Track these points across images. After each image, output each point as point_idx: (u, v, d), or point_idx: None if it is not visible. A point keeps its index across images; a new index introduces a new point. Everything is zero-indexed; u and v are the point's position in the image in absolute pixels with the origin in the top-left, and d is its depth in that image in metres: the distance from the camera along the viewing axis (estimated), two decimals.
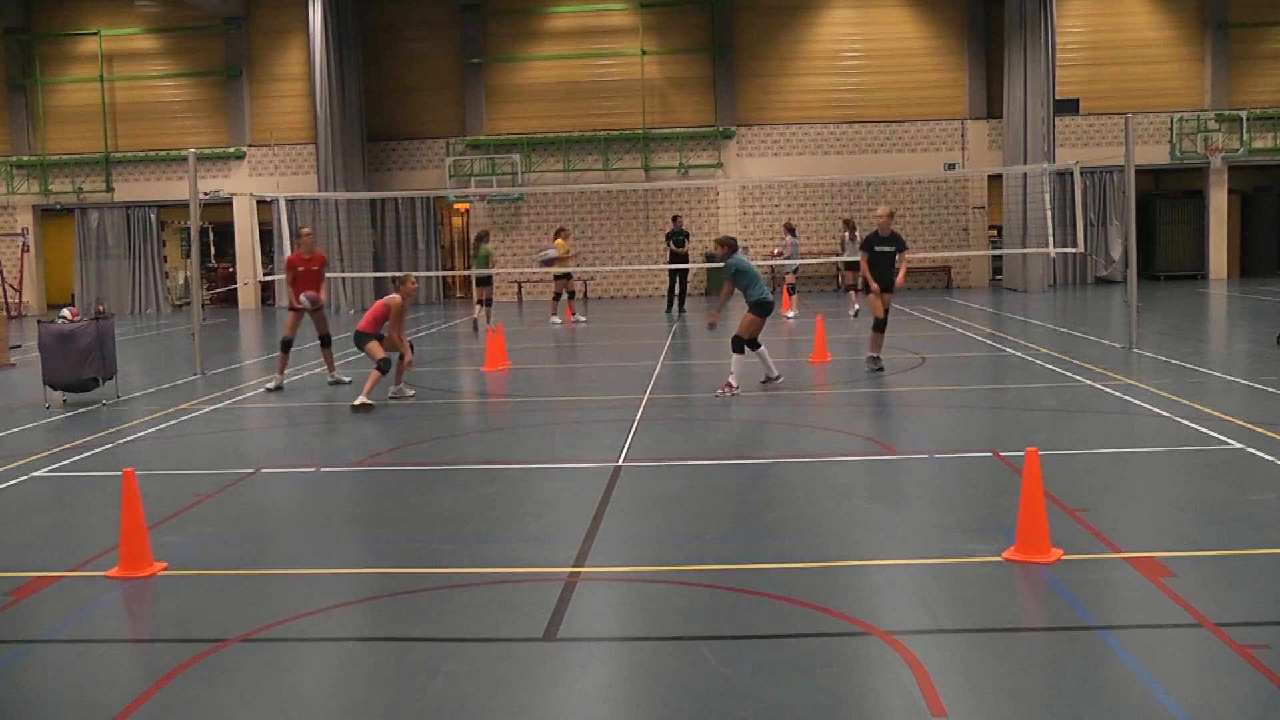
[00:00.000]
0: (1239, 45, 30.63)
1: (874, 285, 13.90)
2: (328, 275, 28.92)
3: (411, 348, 13.43)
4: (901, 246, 13.99)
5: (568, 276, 24.13)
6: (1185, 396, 11.41)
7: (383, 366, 12.68)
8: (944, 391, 12.31)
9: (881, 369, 13.97)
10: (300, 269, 14.15)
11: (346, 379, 14.27)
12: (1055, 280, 30.82)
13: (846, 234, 24.61)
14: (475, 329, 21.89)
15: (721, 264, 13.05)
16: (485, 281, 22.30)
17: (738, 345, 12.77)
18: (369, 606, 5.99)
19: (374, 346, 12.82)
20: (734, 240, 13.10)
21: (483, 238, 23.21)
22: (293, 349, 14.78)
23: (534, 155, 31.47)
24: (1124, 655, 4.91)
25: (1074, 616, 5.47)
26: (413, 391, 13.54)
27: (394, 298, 13.00)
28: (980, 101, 31.05)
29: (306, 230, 14.44)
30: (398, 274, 13.93)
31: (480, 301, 22.21)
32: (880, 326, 14.04)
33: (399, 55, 31.75)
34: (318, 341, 14.70)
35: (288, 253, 19.90)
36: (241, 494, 8.58)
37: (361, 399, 12.36)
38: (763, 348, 12.97)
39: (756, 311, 12.66)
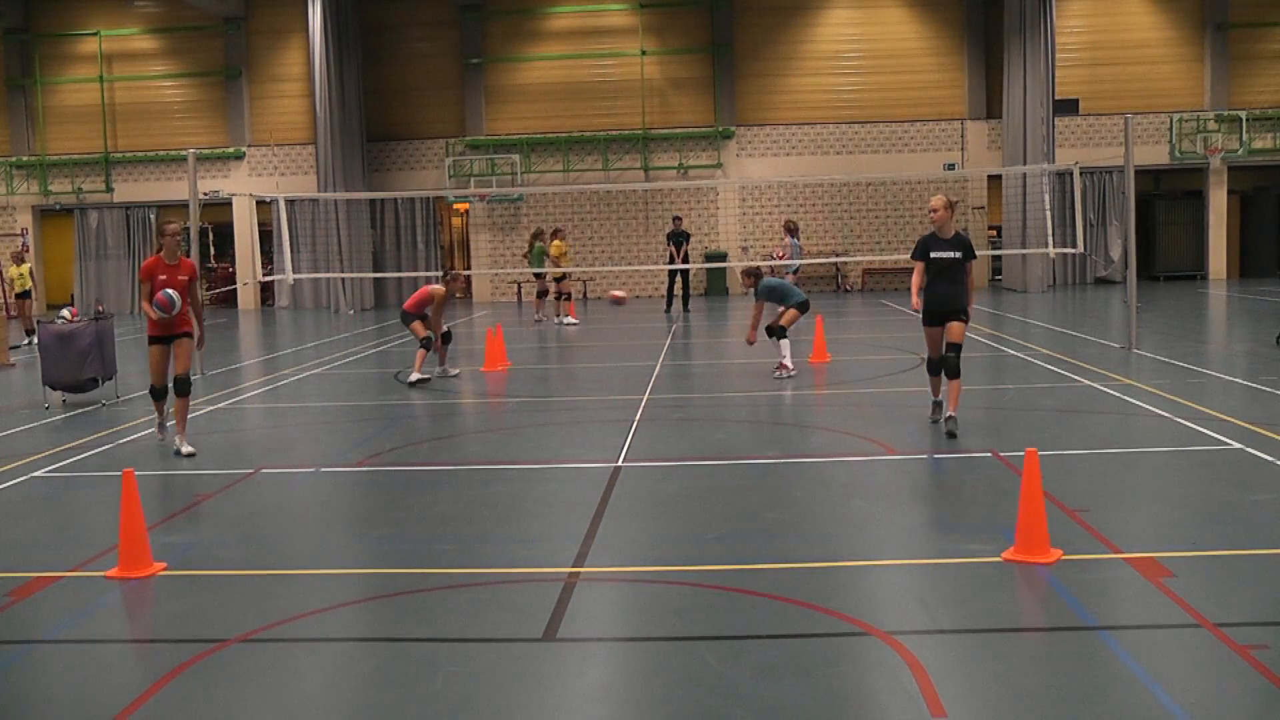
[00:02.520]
0: (1238, 46, 30.65)
1: (915, 302, 10.35)
2: (331, 276, 29.04)
3: (448, 336, 14.92)
4: (970, 254, 10.12)
5: (565, 277, 24.10)
6: (1185, 397, 11.41)
7: (425, 344, 14.33)
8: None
9: (952, 434, 9.71)
10: (161, 278, 9.82)
11: (189, 450, 9.86)
12: (1055, 280, 30.83)
13: (789, 236, 23.58)
14: (542, 320, 23.67)
15: (750, 288, 14.09)
16: (539, 278, 24.29)
17: (781, 333, 13.78)
18: (369, 607, 5.99)
19: (417, 326, 14.44)
20: (758, 269, 14.41)
21: (538, 235, 24.28)
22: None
23: (533, 155, 31.48)
24: (1123, 655, 4.91)
25: (1074, 617, 5.47)
26: (456, 371, 14.94)
27: (439, 288, 14.62)
28: (980, 102, 31.06)
29: (173, 226, 10.08)
30: (451, 270, 15.16)
31: (540, 295, 24.41)
32: (935, 368, 10.31)
33: (399, 55, 31.75)
34: (170, 386, 10.15)
35: (287, 257, 20.02)
36: (241, 494, 8.57)
37: (415, 375, 14.08)
38: (787, 340, 13.93)
39: (799, 309, 13.81)
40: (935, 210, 10.13)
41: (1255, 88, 30.76)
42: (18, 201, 32.74)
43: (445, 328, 14.97)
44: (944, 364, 10.00)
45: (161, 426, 10.47)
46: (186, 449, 9.85)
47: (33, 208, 32.85)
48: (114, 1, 32.21)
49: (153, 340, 9.99)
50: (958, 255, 10.01)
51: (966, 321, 10.02)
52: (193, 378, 10.83)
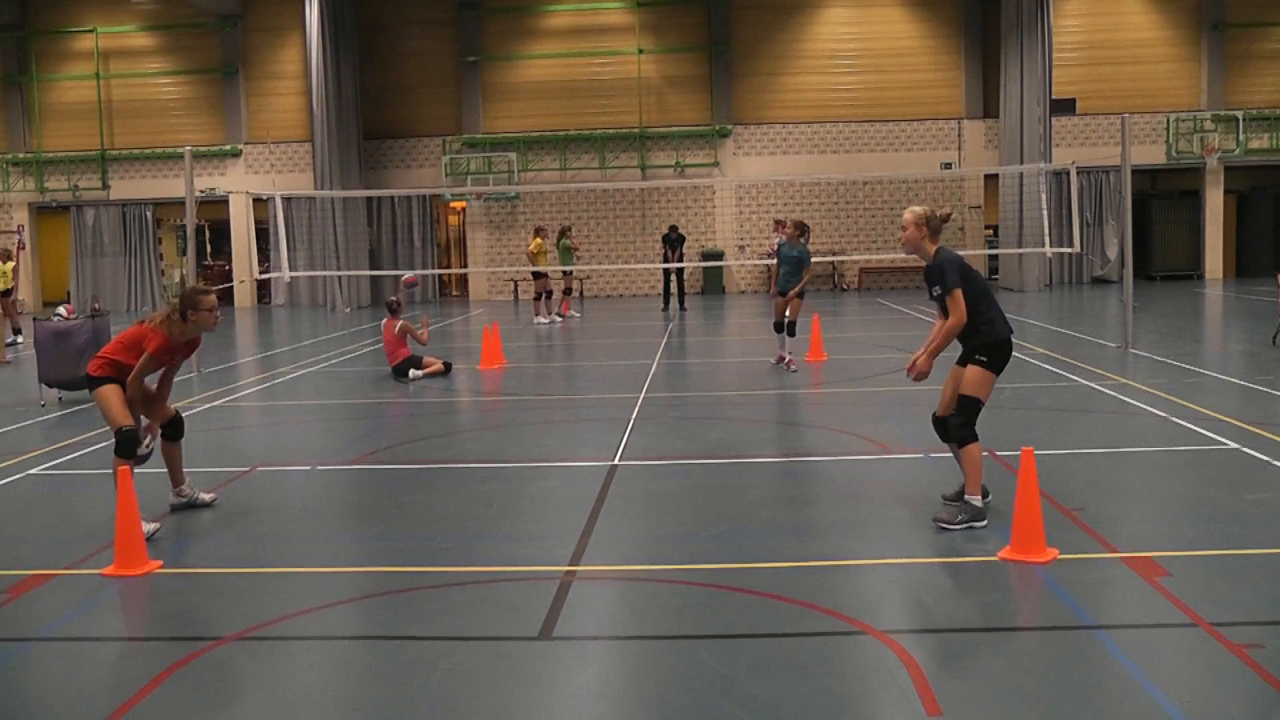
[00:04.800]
0: (1235, 45, 30.68)
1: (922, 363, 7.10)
2: (328, 274, 28.99)
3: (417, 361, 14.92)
4: (939, 284, 6.93)
5: (543, 275, 23.85)
6: (1181, 396, 11.42)
7: (447, 368, 14.90)
8: (940, 391, 12.28)
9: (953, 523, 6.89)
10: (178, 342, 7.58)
11: (211, 496, 8.09)
12: (1051, 280, 30.86)
13: (796, 233, 23.44)
14: (556, 318, 23.64)
15: (795, 248, 14.67)
16: (566, 275, 24.57)
17: (792, 329, 14.69)
18: (364, 605, 5.98)
19: (428, 364, 14.75)
20: (807, 225, 15.12)
21: (564, 233, 24.36)
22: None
23: (530, 154, 31.47)
24: (1120, 655, 4.91)
25: (1070, 616, 5.47)
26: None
27: (391, 320, 14.79)
28: (977, 101, 31.07)
29: (211, 298, 7.61)
30: (391, 299, 15.24)
31: (566, 292, 24.70)
32: (940, 431, 7.29)
33: (395, 53, 31.74)
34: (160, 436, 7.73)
35: (283, 255, 19.93)
36: (237, 492, 8.56)
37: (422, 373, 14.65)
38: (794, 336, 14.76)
39: (801, 296, 14.76)
40: (904, 229, 7.11)
41: (1252, 87, 30.79)
42: (14, 199, 32.70)
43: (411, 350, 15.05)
44: (944, 429, 7.24)
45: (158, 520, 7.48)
46: (208, 495, 8.08)
47: (29, 205, 32.81)
48: None
49: (109, 380, 7.43)
50: (935, 291, 7.00)
51: (984, 364, 6.94)
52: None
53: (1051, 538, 6.41)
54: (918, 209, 7.06)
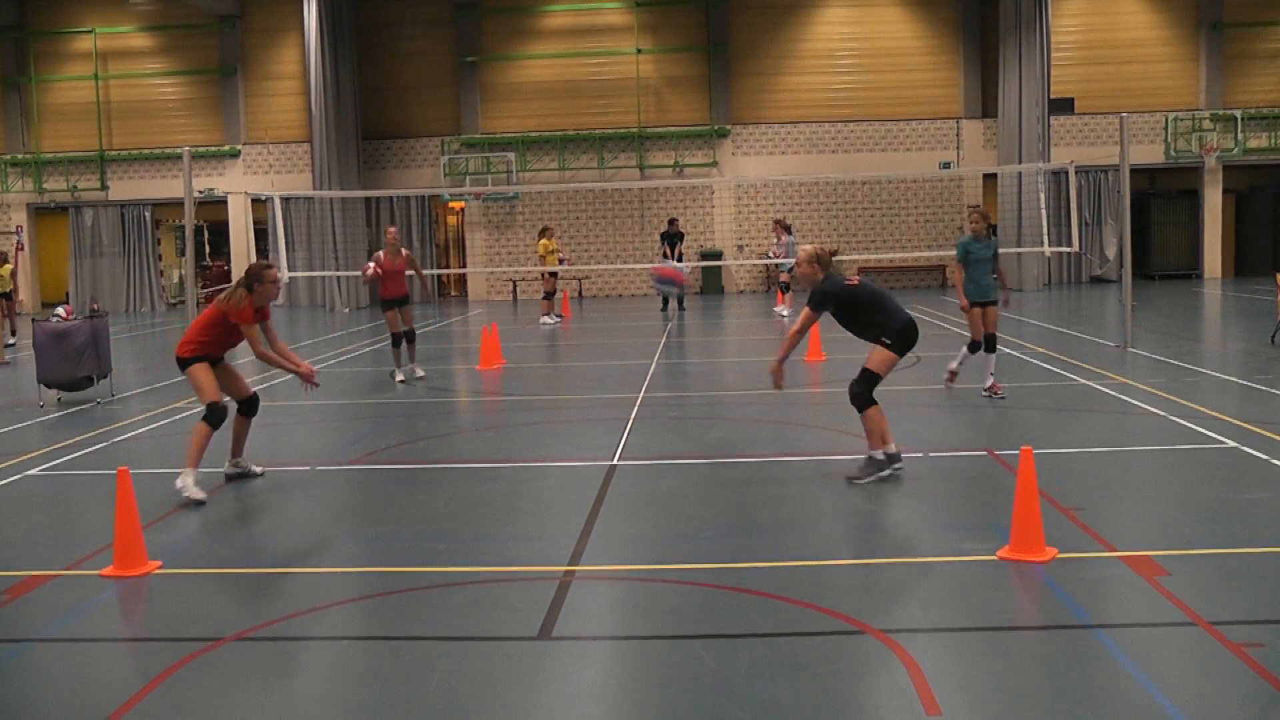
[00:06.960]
0: (1234, 45, 30.69)
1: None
2: (327, 274, 28.88)
3: (412, 335, 14.79)
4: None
5: (554, 275, 23.93)
6: (1180, 395, 11.42)
7: (395, 341, 14.54)
8: (939, 390, 12.31)
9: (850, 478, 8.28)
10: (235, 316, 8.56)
11: (259, 469, 8.98)
12: (1050, 279, 30.87)
13: (785, 234, 23.63)
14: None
15: (987, 243, 11.96)
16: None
17: (993, 343, 11.85)
18: (364, 605, 5.98)
19: (391, 318, 14.51)
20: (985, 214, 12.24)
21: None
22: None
23: (529, 154, 31.45)
24: (1119, 654, 4.91)
25: (1069, 615, 5.47)
26: (421, 374, 14.79)
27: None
28: (975, 101, 31.07)
29: (274, 270, 8.95)
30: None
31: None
32: (851, 396, 8.44)
33: (394, 53, 31.72)
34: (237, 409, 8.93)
35: (282, 255, 19.97)
36: (236, 492, 8.56)
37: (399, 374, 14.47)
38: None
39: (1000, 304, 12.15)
40: (797, 265, 8.56)
41: (1250, 87, 30.80)
42: (13, 200, 32.68)
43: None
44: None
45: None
46: (259, 468, 9.00)
47: (28, 206, 32.78)
48: None
49: (198, 359, 8.44)
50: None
51: (888, 346, 8.27)
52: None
53: (1051, 537, 6.41)
54: (808, 248, 8.51)
